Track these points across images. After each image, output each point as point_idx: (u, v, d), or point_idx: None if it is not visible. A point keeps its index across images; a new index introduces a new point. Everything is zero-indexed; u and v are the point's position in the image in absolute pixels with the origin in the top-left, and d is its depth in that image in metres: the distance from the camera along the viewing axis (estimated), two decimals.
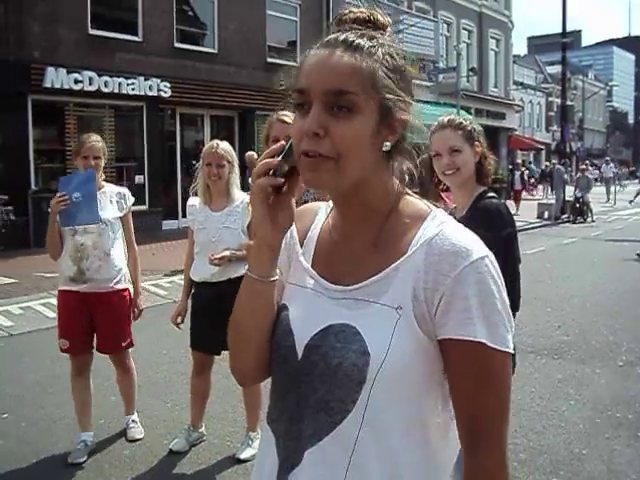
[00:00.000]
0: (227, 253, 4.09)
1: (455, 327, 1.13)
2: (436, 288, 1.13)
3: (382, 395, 1.14)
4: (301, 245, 1.35)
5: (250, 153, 9.63)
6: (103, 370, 4.92)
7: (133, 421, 4.75)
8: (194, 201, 4.42)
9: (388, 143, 1.18)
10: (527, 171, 31.65)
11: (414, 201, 1.27)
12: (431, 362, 1.17)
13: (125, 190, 4.64)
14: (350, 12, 1.23)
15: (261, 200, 1.20)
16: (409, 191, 1.28)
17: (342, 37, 1.16)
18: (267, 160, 1.20)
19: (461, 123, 2.92)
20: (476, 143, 2.88)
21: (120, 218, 4.49)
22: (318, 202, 1.40)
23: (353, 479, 1.16)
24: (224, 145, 4.30)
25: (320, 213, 1.38)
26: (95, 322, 4.44)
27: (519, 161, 25.85)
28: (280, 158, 1.19)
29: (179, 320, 4.50)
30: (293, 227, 1.31)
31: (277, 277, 1.28)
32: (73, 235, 4.31)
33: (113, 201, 4.49)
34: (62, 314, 4.46)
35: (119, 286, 4.47)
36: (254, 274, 1.26)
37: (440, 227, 1.18)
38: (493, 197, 2.88)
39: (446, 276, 1.13)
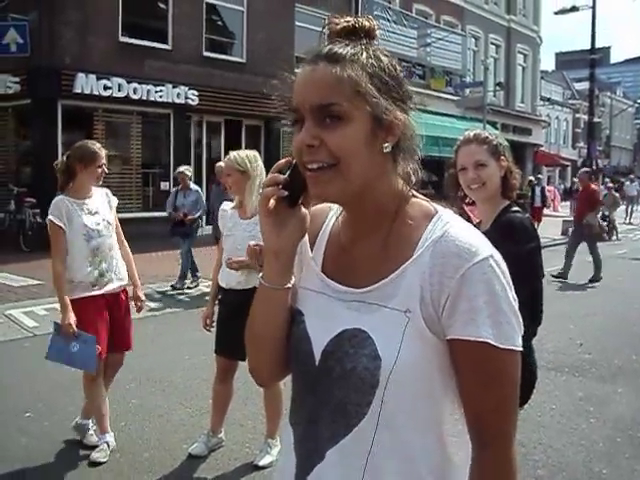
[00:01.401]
0: (245, 258, 4.12)
1: (460, 327, 1.15)
2: (442, 289, 1.16)
3: (396, 397, 1.18)
4: (311, 248, 1.38)
5: (219, 164, 9.72)
6: (123, 373, 4.97)
7: (92, 427, 4.70)
8: (227, 206, 4.48)
9: (388, 144, 1.21)
10: (548, 186, 30.98)
11: (420, 202, 1.29)
12: (443, 361, 1.19)
13: (107, 190, 4.70)
14: (333, 24, 1.26)
15: (266, 209, 1.25)
16: (415, 192, 1.30)
17: (324, 51, 1.20)
18: (274, 174, 1.26)
19: (487, 138, 2.92)
20: (502, 157, 2.89)
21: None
22: (328, 204, 1.40)
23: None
24: (235, 154, 4.34)
25: (330, 215, 1.40)
26: (114, 320, 4.50)
27: (540, 176, 25.39)
28: (288, 173, 1.24)
29: (207, 322, 4.53)
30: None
31: (289, 285, 1.31)
32: (88, 240, 4.33)
33: (105, 202, 4.56)
34: (92, 321, 4.32)
35: (126, 282, 4.63)
36: (265, 282, 1.31)
37: (445, 228, 1.20)
38: (517, 211, 2.87)
39: (451, 277, 1.15)
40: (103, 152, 4.46)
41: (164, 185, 17.19)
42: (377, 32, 1.25)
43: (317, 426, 1.26)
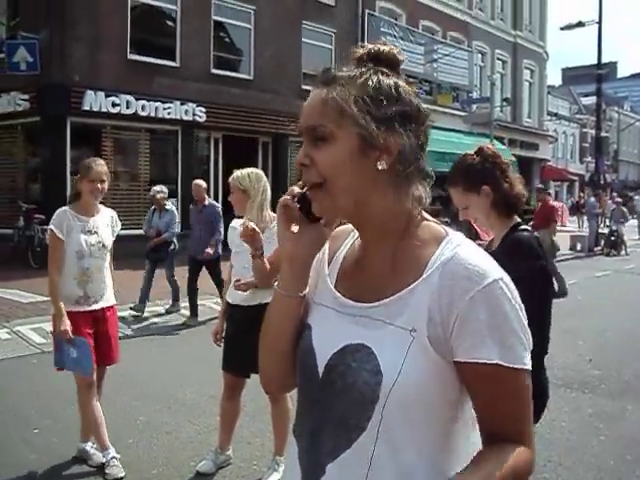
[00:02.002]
0: (253, 280, 4.13)
1: (470, 350, 1.16)
2: (450, 311, 1.16)
3: (396, 414, 1.18)
4: (329, 266, 1.41)
5: (196, 182, 9.72)
6: (130, 389, 4.97)
7: (92, 447, 4.66)
8: (236, 224, 4.48)
9: (382, 162, 1.22)
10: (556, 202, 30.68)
11: (431, 225, 1.30)
12: (445, 382, 1.19)
13: (114, 214, 4.74)
14: (355, 52, 1.32)
15: (283, 216, 1.33)
16: (427, 215, 1.31)
17: (321, 74, 1.28)
18: (293, 187, 1.33)
19: (460, 175, 2.80)
20: (483, 187, 2.74)
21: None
22: (349, 225, 1.45)
23: None
24: (238, 173, 4.35)
25: (350, 236, 1.43)
26: (99, 334, 4.52)
27: (550, 191, 25.19)
28: (305, 189, 1.30)
29: (217, 338, 4.53)
30: (326, 249, 1.40)
31: (302, 294, 1.35)
32: (80, 259, 4.38)
33: (109, 226, 4.61)
34: (75, 332, 4.36)
35: (112, 301, 4.65)
36: (279, 288, 1.36)
37: (455, 250, 1.21)
38: (525, 229, 2.81)
39: (460, 299, 1.16)
40: (101, 168, 4.44)
41: (172, 202, 17.22)
42: (400, 59, 1.31)
43: (320, 439, 1.26)
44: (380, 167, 1.22)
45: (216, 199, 18.34)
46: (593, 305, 11.61)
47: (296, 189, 1.31)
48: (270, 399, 4.41)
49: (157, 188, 10.13)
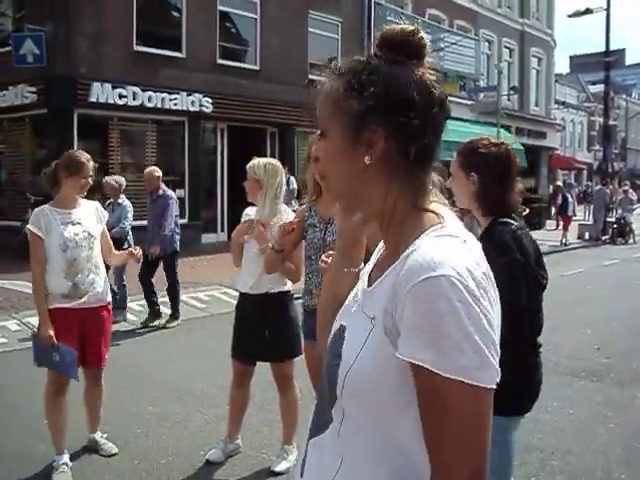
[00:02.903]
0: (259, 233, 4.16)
1: (401, 345, 1.08)
2: (396, 303, 1.11)
3: (352, 397, 1.18)
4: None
5: (149, 169, 8.93)
6: (139, 380, 4.99)
7: (102, 437, 4.69)
8: (250, 211, 4.48)
9: (367, 157, 1.19)
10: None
11: (424, 215, 1.22)
12: (401, 376, 1.10)
13: (98, 204, 4.67)
14: (387, 31, 1.24)
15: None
16: (426, 206, 1.24)
17: (330, 66, 1.28)
18: None
19: (463, 150, 2.81)
20: (472, 174, 2.72)
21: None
22: None
23: (343, 468, 1.21)
24: (255, 162, 4.33)
25: None
26: (87, 337, 4.39)
27: (572, 182, 24.64)
28: None
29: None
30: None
31: (354, 269, 1.43)
32: (65, 251, 4.25)
33: (93, 215, 4.48)
34: (58, 333, 4.20)
35: (107, 299, 4.53)
36: (352, 268, 1.44)
37: (424, 240, 1.15)
38: (505, 223, 2.70)
39: (402, 292, 1.09)
40: (91, 164, 4.40)
41: (179, 192, 17.25)
42: (426, 51, 1.26)
43: (318, 415, 1.33)
44: (367, 162, 1.19)
45: (222, 190, 18.41)
46: (601, 294, 11.59)
47: None
48: (279, 389, 4.44)
49: (109, 178, 9.10)
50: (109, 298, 4.58)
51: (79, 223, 4.34)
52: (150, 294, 8.82)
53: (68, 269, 4.26)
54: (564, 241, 19.73)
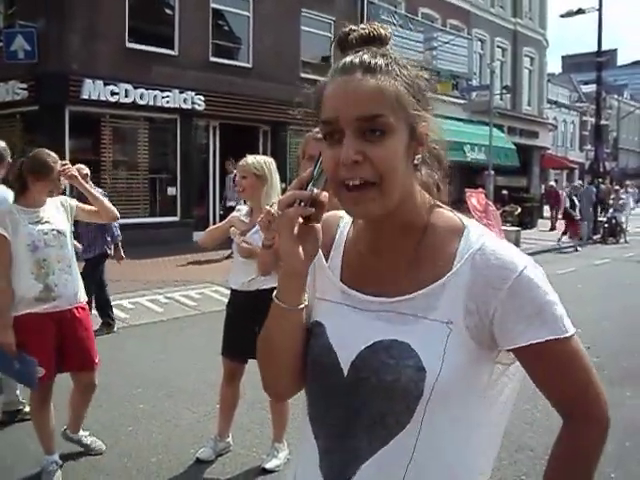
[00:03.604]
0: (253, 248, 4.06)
1: (521, 335, 1.18)
2: (489, 301, 1.17)
3: (438, 406, 1.18)
4: (326, 258, 1.35)
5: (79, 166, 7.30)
6: (129, 378, 4.97)
7: (86, 437, 4.58)
8: (243, 208, 4.49)
9: (419, 156, 1.20)
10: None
11: (446, 213, 1.28)
12: (482, 369, 1.24)
13: (63, 197, 4.39)
14: (352, 31, 1.22)
15: (290, 231, 1.19)
16: (439, 203, 1.28)
17: (357, 60, 1.16)
18: (297, 191, 1.20)
19: None
20: None
21: (75, 222, 4.35)
22: (336, 212, 1.36)
23: None
24: (253, 159, 4.30)
25: (342, 224, 1.38)
26: (65, 340, 4.15)
27: (552, 183, 24.76)
28: (310, 187, 1.20)
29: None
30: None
31: (303, 305, 1.27)
32: (33, 251, 3.99)
33: (60, 211, 4.23)
34: (31, 340, 3.98)
35: (83, 299, 4.30)
36: (280, 302, 1.26)
37: (481, 240, 1.21)
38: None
39: (498, 289, 1.16)
40: (58, 164, 4.14)
41: (171, 190, 17.26)
42: (390, 39, 1.23)
43: (351, 439, 1.22)
44: (417, 161, 1.21)
45: (214, 188, 18.39)
46: (592, 293, 11.62)
47: (305, 193, 1.19)
48: None
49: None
50: (84, 297, 4.34)
51: (47, 221, 4.10)
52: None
53: (38, 270, 4.01)
54: (561, 242, 19.78)
